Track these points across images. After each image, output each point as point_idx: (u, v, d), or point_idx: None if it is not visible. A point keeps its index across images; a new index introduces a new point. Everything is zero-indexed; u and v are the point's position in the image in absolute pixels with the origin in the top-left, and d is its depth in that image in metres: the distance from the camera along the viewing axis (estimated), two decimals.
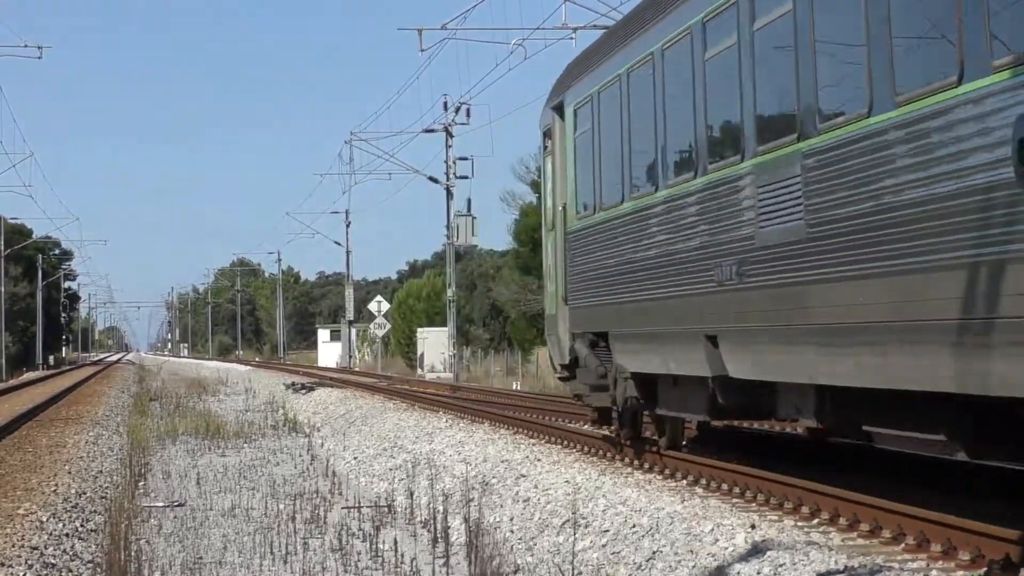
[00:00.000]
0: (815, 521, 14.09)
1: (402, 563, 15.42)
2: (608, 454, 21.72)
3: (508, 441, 24.49)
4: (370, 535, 17.49)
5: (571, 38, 41.89)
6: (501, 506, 18.13)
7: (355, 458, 27.84)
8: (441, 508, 17.91)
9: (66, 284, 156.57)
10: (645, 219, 17.36)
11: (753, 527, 13.11)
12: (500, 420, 30.54)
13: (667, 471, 18.78)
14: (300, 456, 29.04)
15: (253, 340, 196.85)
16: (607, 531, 14.74)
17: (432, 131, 65.18)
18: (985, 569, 11.14)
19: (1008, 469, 14.56)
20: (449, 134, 64.44)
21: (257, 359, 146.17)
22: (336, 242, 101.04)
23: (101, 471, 24.00)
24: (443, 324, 74.03)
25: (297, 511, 19.65)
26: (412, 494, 20.47)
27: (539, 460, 20.44)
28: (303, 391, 53.58)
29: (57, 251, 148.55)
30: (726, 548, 12.57)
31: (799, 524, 13.95)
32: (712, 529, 13.26)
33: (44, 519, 17.15)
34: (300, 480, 24.27)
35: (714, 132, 15.33)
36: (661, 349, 17.00)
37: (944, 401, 11.21)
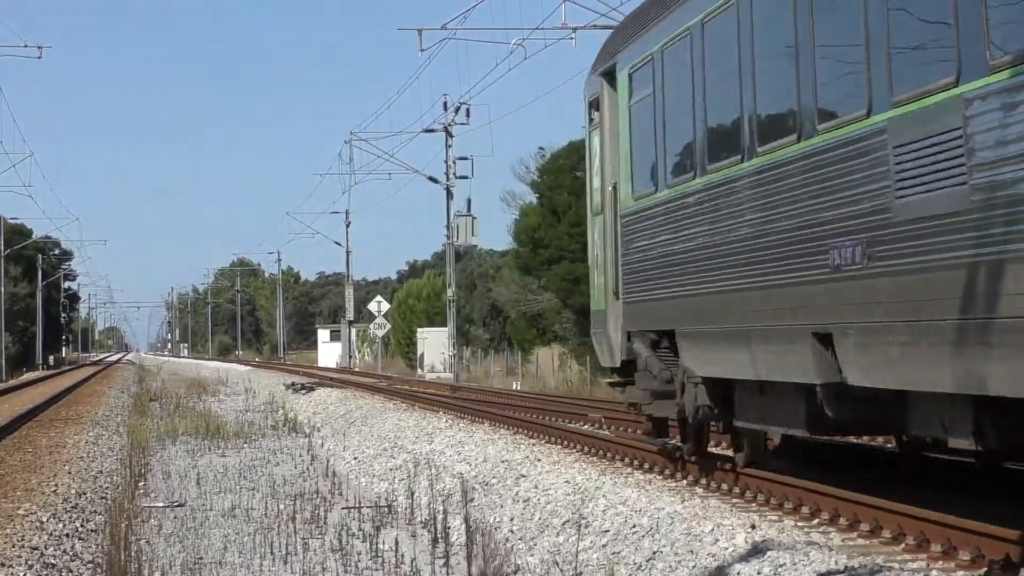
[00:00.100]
0: (815, 521, 14.09)
1: (402, 563, 15.43)
2: (608, 454, 21.70)
3: (508, 441, 24.49)
4: (370, 535, 17.49)
5: (571, 38, 41.92)
6: (501, 506, 18.12)
7: (355, 458, 27.84)
8: (441, 508, 17.90)
9: (66, 284, 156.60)
10: (726, 195, 14.74)
11: (753, 527, 13.11)
12: (500, 420, 30.54)
13: (667, 471, 18.78)
14: (300, 456, 29.03)
15: (253, 340, 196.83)
16: (607, 531, 14.75)
17: (432, 131, 65.22)
18: (985, 569, 11.14)
19: (1008, 469, 14.57)
20: (449, 134, 64.46)
21: (257, 359, 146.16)
22: (336, 242, 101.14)
23: (101, 471, 24.00)
24: (443, 324, 74.04)
25: (297, 511, 19.64)
26: (412, 494, 20.46)
27: (539, 460, 20.43)
28: (303, 391, 53.58)
29: (57, 251, 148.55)
30: (726, 548, 12.57)
31: (799, 524, 13.95)
32: (712, 529, 13.26)
33: (44, 519, 17.15)
34: (300, 480, 24.27)
35: (825, 84, 12.59)
36: (746, 350, 14.35)
37: None
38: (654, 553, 13.29)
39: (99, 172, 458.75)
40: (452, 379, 61.71)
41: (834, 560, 11.33)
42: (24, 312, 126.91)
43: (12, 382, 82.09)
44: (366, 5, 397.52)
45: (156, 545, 16.94)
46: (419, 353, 79.59)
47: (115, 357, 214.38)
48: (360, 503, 20.83)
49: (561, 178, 64.42)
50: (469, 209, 63.51)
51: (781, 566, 11.47)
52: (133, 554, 14.65)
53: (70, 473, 22.91)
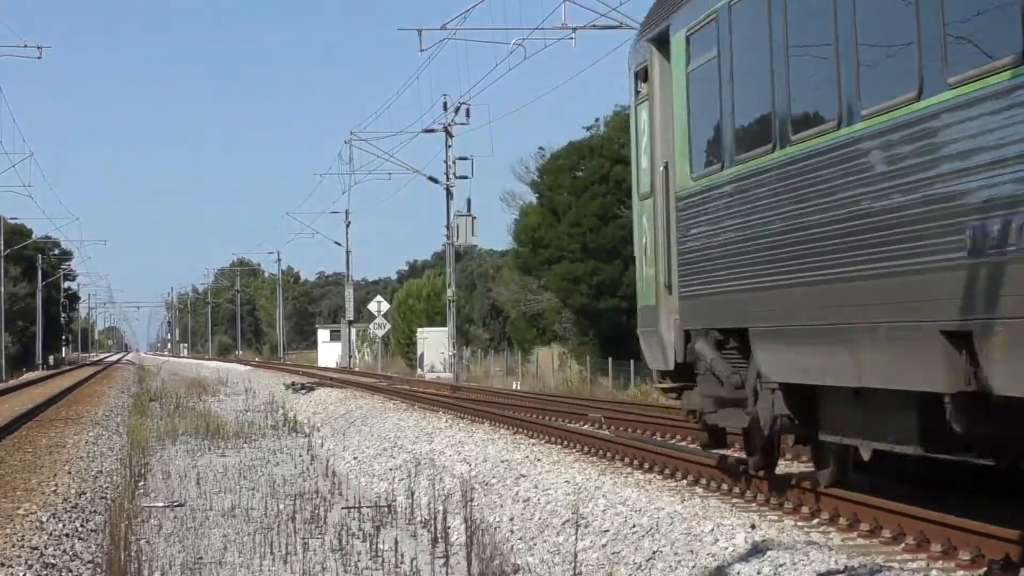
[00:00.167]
0: (815, 521, 14.09)
1: (402, 563, 15.43)
2: (608, 454, 21.70)
3: (508, 441, 24.49)
4: (370, 535, 17.49)
5: (571, 38, 41.92)
6: (501, 506, 18.13)
7: (355, 458, 27.84)
8: (441, 508, 17.90)
9: (66, 284, 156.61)
10: (818, 169, 12.60)
11: (753, 527, 13.11)
12: (500, 420, 30.54)
13: (667, 471, 18.78)
14: (300, 456, 29.03)
15: (253, 340, 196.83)
16: (607, 531, 14.75)
17: (432, 131, 65.24)
18: (985, 569, 11.14)
19: (1007, 469, 14.56)
20: (449, 134, 64.48)
21: (257, 359, 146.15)
22: (336, 242, 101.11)
23: (101, 471, 24.00)
24: (443, 324, 74.06)
25: (297, 511, 19.64)
26: (412, 494, 20.46)
27: (539, 460, 20.43)
28: (303, 391, 53.58)
29: (57, 251, 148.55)
30: (726, 548, 12.57)
31: (799, 524, 13.95)
32: (712, 529, 13.26)
33: (44, 519, 17.16)
34: (300, 480, 24.27)
35: (957, 25, 10.41)
36: (845, 351, 12.19)
37: None
38: (654, 553, 13.29)
39: (99, 172, 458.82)
40: (452, 379, 61.73)
41: (834, 560, 11.34)
42: (24, 312, 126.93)
43: (12, 382, 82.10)
44: (366, 5, 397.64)
45: (156, 545, 16.94)
46: (419, 353, 79.60)
47: (115, 357, 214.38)
48: (360, 503, 20.83)
49: (561, 178, 64.43)
50: (469, 209, 63.57)
51: (781, 566, 11.47)
52: (133, 554, 14.66)
53: (70, 473, 22.91)
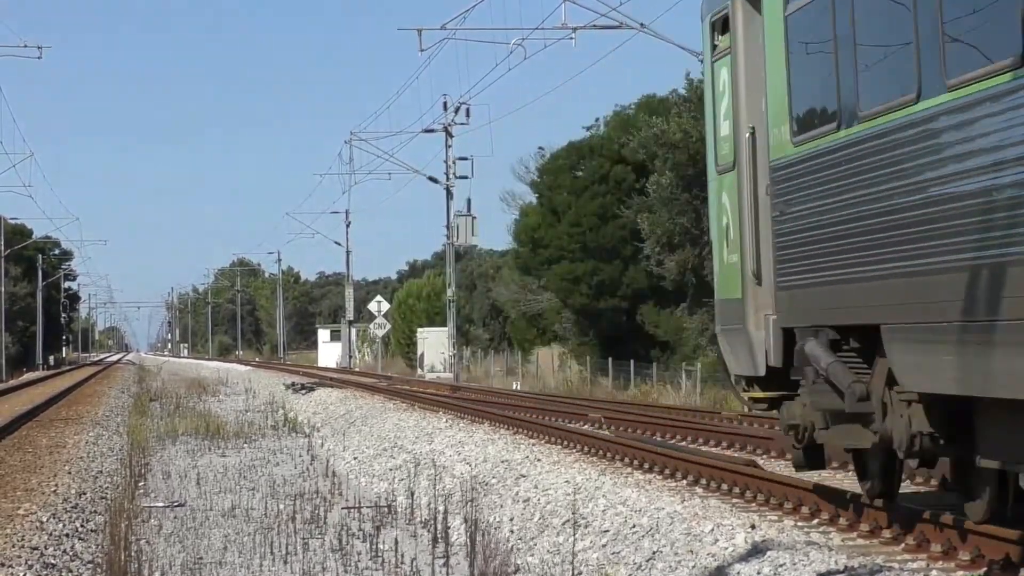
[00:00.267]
0: (815, 521, 14.09)
1: (402, 563, 15.43)
2: (608, 454, 21.70)
3: (508, 441, 24.49)
4: (370, 535, 17.49)
5: (571, 38, 41.91)
6: (501, 506, 18.13)
7: (355, 458, 27.84)
8: (441, 508, 17.90)
9: (66, 284, 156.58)
10: (992, 115, 9.85)
11: (753, 527, 13.11)
12: (500, 420, 30.54)
13: (667, 471, 18.78)
14: (300, 456, 29.04)
15: (253, 340, 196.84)
16: (607, 531, 14.75)
17: (432, 131, 65.22)
18: (985, 569, 11.14)
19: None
20: (449, 134, 64.47)
21: (257, 359, 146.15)
22: (336, 242, 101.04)
23: (101, 471, 24.00)
24: (443, 324, 74.06)
25: (297, 511, 19.65)
26: (412, 494, 20.46)
27: (539, 460, 20.43)
28: (303, 391, 53.58)
29: (57, 251, 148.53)
30: (726, 548, 12.57)
31: (799, 524, 13.95)
32: (712, 529, 13.26)
33: (44, 519, 17.15)
34: (300, 480, 24.27)
35: None
36: None
37: None
38: (654, 553, 13.29)
39: (99, 172, 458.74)
40: (452, 379, 61.73)
41: (834, 560, 11.34)
42: (24, 312, 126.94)
43: (12, 382, 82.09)
44: (366, 5, 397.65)
45: (156, 545, 16.95)
46: (419, 353, 79.61)
47: (115, 357, 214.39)
48: (360, 503, 20.83)
49: (561, 178, 64.45)
50: (469, 209, 63.56)
51: (781, 566, 11.47)
52: (133, 554, 14.66)
53: (70, 473, 22.91)
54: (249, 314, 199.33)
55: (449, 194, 64.40)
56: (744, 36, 14.40)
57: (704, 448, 22.85)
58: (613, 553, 13.96)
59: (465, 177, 64.50)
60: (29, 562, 14.13)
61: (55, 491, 20.19)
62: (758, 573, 11.56)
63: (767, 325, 13.82)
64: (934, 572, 11.32)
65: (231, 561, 15.94)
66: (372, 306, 79.74)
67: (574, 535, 14.73)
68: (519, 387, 58.47)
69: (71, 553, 15.27)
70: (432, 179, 65.96)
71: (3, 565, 13.80)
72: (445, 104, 63.80)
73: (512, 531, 16.71)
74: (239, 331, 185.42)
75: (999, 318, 9.70)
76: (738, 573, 11.79)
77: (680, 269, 50.80)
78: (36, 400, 48.90)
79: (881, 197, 11.47)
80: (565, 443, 24.25)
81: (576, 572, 13.81)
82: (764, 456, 21.03)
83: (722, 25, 14.82)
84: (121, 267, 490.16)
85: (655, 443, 22.84)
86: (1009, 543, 11.14)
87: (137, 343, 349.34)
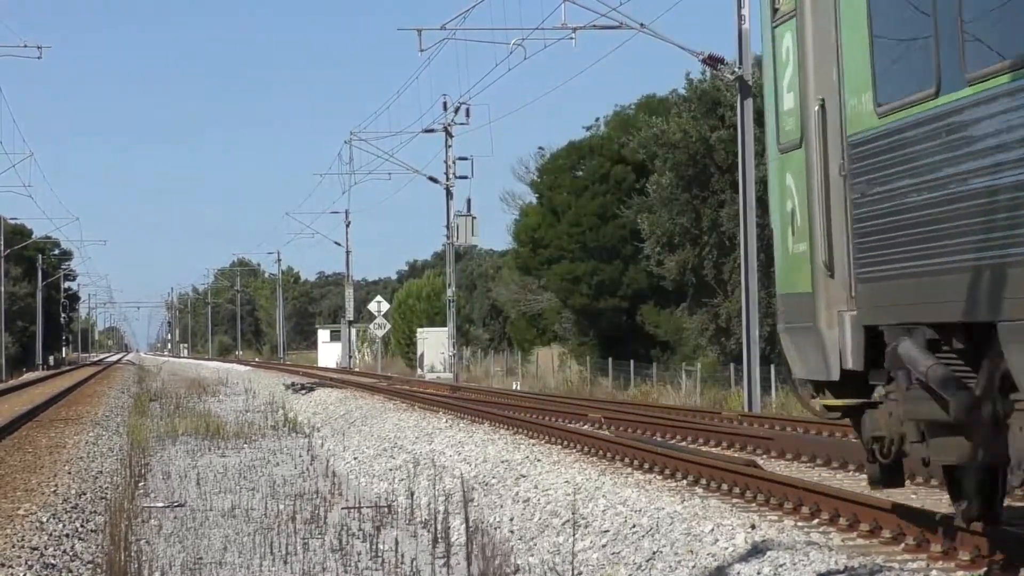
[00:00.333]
0: (815, 521, 14.09)
1: (402, 563, 15.43)
2: (608, 454, 21.69)
3: (508, 441, 24.49)
4: (370, 535, 17.49)
5: (571, 38, 41.88)
6: (501, 506, 18.13)
7: (355, 458, 27.84)
8: (441, 508, 17.91)
9: (66, 284, 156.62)
10: None
11: (753, 527, 13.11)
12: (500, 420, 30.54)
13: (667, 471, 18.78)
14: (300, 456, 29.04)
15: (253, 340, 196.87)
16: (607, 531, 14.75)
17: (432, 131, 65.23)
18: (985, 569, 11.13)
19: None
20: (449, 134, 64.49)
21: (257, 359, 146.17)
22: (336, 242, 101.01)
23: (101, 471, 24.00)
24: (443, 324, 74.09)
25: (297, 511, 19.65)
26: (412, 494, 20.47)
27: (539, 460, 20.43)
28: (303, 391, 53.59)
29: (57, 251, 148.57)
30: (726, 548, 12.57)
31: (799, 524, 13.95)
32: (712, 529, 13.26)
33: (44, 519, 17.15)
34: (300, 480, 24.27)
35: None
36: None
37: None
38: (654, 553, 13.29)
39: (99, 172, 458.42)
40: (452, 379, 61.73)
41: (834, 560, 11.34)
42: (24, 312, 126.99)
43: (12, 382, 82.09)
44: (366, 5, 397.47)
45: (156, 545, 16.95)
46: (419, 353, 79.63)
47: (115, 357, 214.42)
48: (360, 503, 20.83)
49: (561, 178, 64.50)
50: (469, 209, 63.58)
51: (781, 566, 11.47)
52: (133, 554, 14.66)
53: (70, 473, 22.91)
54: (249, 314, 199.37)
55: (449, 194, 64.42)
56: None
57: (704, 448, 22.87)
58: (613, 553, 13.96)
59: (465, 177, 64.56)
60: (29, 562, 14.13)
61: (55, 491, 20.19)
62: (758, 573, 11.56)
63: (842, 323, 12.14)
64: (934, 572, 11.31)
65: (231, 561, 15.95)
66: (372, 306, 79.74)
67: (574, 535, 14.73)
68: (519, 387, 58.47)
69: (71, 553, 15.27)
70: (432, 179, 66.01)
71: (3, 565, 13.80)
72: (445, 104, 63.88)
73: (512, 531, 16.71)
74: (239, 331, 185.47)
75: None
76: (738, 573, 11.79)
77: (680, 269, 50.82)
78: (36, 400, 48.90)
79: (1000, 170, 9.83)
80: (565, 443, 24.25)
81: (576, 572, 13.81)
82: (764, 456, 21.05)
83: None
84: (121, 267, 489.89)
85: (655, 443, 22.84)
86: (1009, 543, 11.13)
87: (137, 343, 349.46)
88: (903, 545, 12.40)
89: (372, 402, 41.16)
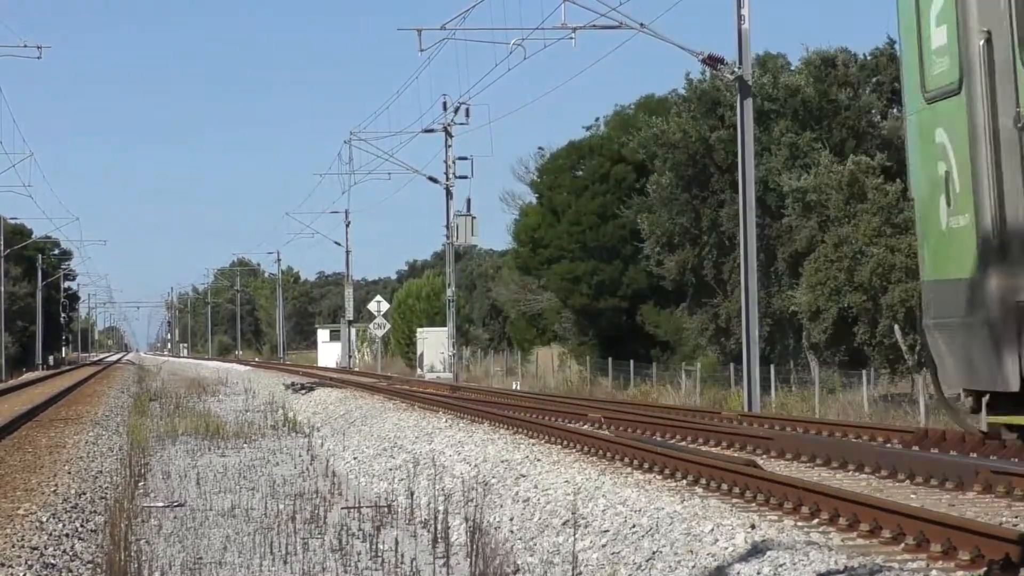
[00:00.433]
0: (815, 521, 14.09)
1: (402, 563, 15.43)
2: (608, 454, 21.69)
3: (508, 441, 24.49)
4: (370, 535, 17.49)
5: (571, 38, 41.85)
6: (501, 506, 18.13)
7: (355, 458, 27.84)
8: (441, 508, 17.91)
9: (66, 284, 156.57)
10: None
11: (753, 527, 13.11)
12: (500, 420, 30.52)
13: (667, 471, 18.78)
14: (300, 456, 29.04)
15: (253, 340, 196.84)
16: (607, 531, 14.75)
17: (432, 131, 65.17)
18: (985, 569, 11.14)
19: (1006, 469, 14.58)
20: (449, 134, 64.46)
21: (257, 359, 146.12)
22: (336, 242, 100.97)
23: (101, 471, 24.00)
24: (443, 324, 74.06)
25: (297, 511, 19.65)
26: (412, 494, 20.47)
27: (539, 460, 20.43)
28: (303, 391, 53.57)
29: (57, 251, 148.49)
30: (726, 548, 12.57)
31: (799, 524, 13.95)
32: (712, 529, 13.26)
33: (44, 519, 17.16)
34: (300, 480, 24.28)
35: None
36: None
37: None
38: (654, 553, 13.29)
39: (99, 172, 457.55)
40: (452, 379, 61.72)
41: (834, 560, 11.34)
42: (24, 312, 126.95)
43: (12, 382, 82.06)
44: (366, 5, 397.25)
45: (156, 545, 16.95)
46: (419, 353, 79.61)
47: (115, 357, 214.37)
48: (360, 503, 20.83)
49: (561, 178, 64.47)
50: (469, 209, 63.54)
51: (781, 566, 11.47)
52: (133, 554, 14.66)
53: (70, 473, 22.91)
54: (249, 314, 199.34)
55: (449, 194, 64.39)
56: None
57: (704, 448, 22.86)
58: (613, 553, 13.96)
59: (465, 177, 64.51)
60: (29, 562, 14.13)
61: (55, 491, 20.19)
62: (758, 573, 11.56)
63: (1021, 317, 9.79)
64: (934, 572, 11.31)
65: (231, 561, 15.95)
66: (372, 306, 79.72)
67: (574, 535, 14.73)
68: (519, 387, 58.45)
69: (71, 553, 15.27)
70: (432, 179, 65.97)
71: (3, 565, 13.80)
72: (445, 104, 63.81)
73: (512, 531, 16.71)
74: (239, 331, 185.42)
75: None
76: (738, 573, 11.79)
77: (680, 269, 50.82)
78: (36, 400, 48.89)
79: None
80: (565, 443, 24.24)
81: (576, 572, 13.81)
82: (764, 456, 21.04)
83: None
84: (121, 267, 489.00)
85: (655, 443, 22.83)
86: (1009, 543, 11.14)
87: (137, 343, 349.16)
88: (903, 545, 12.40)
89: (372, 402, 41.15)
